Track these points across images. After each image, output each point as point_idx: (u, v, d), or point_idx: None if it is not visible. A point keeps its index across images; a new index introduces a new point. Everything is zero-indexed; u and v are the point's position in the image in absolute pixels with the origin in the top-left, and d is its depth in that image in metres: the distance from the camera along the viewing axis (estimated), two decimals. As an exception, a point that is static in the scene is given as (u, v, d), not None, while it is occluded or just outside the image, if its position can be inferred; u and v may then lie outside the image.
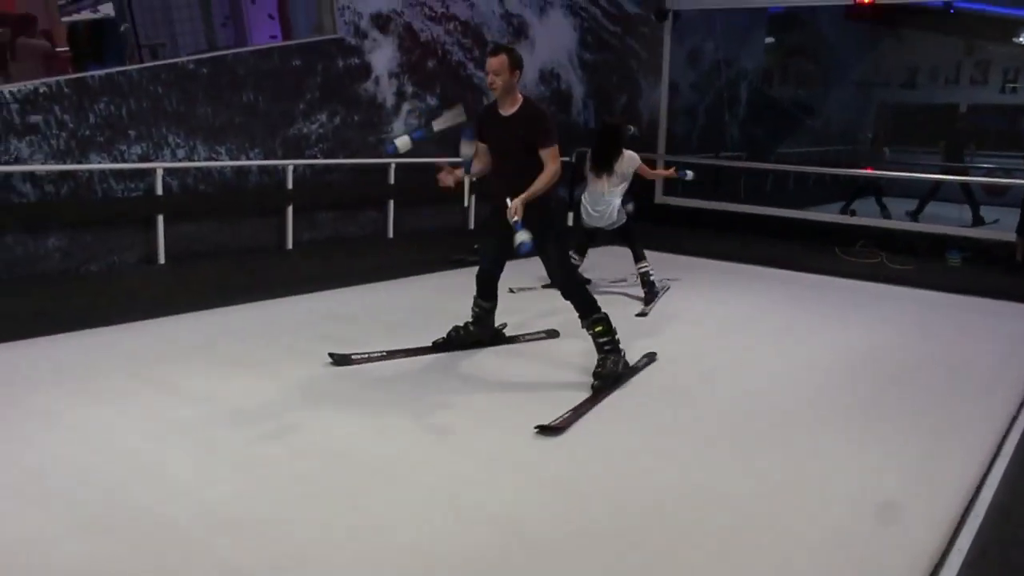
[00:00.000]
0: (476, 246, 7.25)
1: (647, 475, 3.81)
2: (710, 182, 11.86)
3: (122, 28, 7.35)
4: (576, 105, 10.98)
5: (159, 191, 7.13)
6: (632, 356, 5.26)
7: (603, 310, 5.05)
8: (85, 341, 5.65)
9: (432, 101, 9.25)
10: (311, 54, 8.17)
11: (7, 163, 6.40)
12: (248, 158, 7.81)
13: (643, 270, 7.37)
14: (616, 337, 5.02)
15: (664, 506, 3.50)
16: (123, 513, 3.31)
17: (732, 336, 6.27)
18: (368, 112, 8.73)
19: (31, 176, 6.55)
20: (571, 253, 7.21)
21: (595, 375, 4.90)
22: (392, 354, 5.30)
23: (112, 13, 6.92)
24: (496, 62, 4.83)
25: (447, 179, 5.02)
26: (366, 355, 5.19)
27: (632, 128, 8.93)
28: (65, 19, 6.77)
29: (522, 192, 4.80)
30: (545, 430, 4.17)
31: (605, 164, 7.25)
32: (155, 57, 7.21)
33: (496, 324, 5.69)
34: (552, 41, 10.49)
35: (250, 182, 7.92)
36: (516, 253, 4.75)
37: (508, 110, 4.91)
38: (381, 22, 8.70)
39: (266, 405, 4.52)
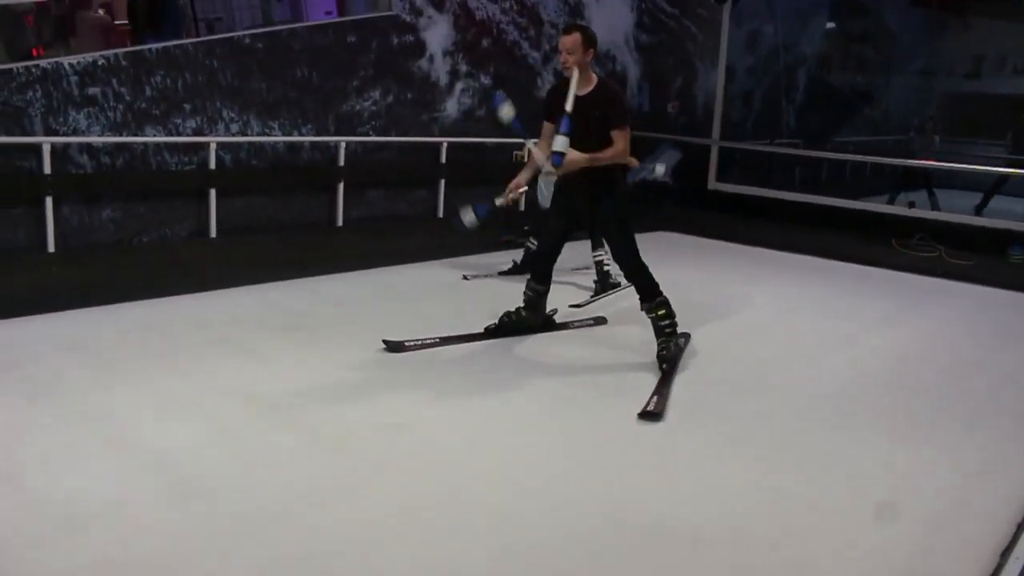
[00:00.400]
0: (527, 228, 7.23)
1: (700, 472, 3.75)
2: (764, 168, 11.67)
3: (180, 1, 7.37)
4: (631, 88, 10.83)
5: (212, 165, 7.17)
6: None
7: (664, 294, 5.02)
8: (138, 312, 5.70)
9: (486, 80, 9.18)
10: (366, 30, 8.14)
11: (65, 134, 6.47)
12: (301, 134, 7.82)
13: (598, 259, 6.87)
14: (675, 320, 5.00)
15: (724, 505, 3.44)
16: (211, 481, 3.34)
17: (784, 327, 6.16)
18: (422, 90, 8.69)
19: (88, 147, 6.61)
20: (530, 239, 7.07)
21: (660, 358, 4.91)
22: (446, 340, 5.24)
23: (171, -14, 6.94)
24: (569, 40, 4.75)
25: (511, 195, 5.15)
26: (420, 341, 5.14)
27: (673, 106, 8.80)
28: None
29: (594, 174, 4.78)
30: (647, 416, 4.19)
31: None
32: (211, 31, 7.23)
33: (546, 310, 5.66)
34: (608, 22, 10.34)
35: (302, 158, 7.93)
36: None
37: (582, 90, 4.80)
38: (436, 0, 8.63)
39: (325, 387, 4.52)
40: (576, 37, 4.73)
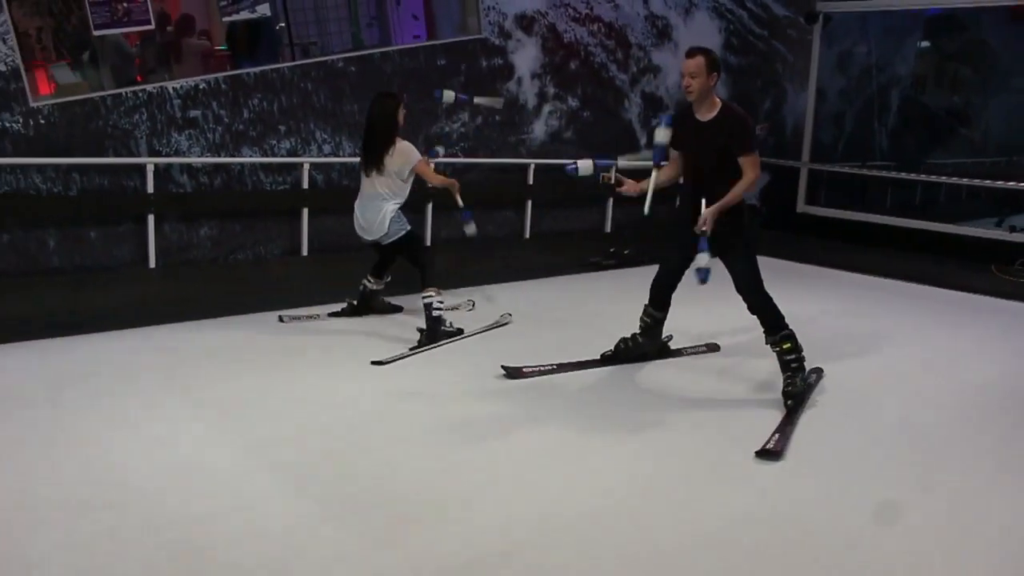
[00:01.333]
0: (614, 250, 7.15)
1: (818, 503, 3.68)
2: (856, 192, 11.42)
3: (277, 27, 7.58)
4: (718, 109, 10.73)
5: (305, 185, 7.33)
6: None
7: (790, 327, 4.87)
8: (230, 325, 5.88)
9: (573, 103, 9.21)
10: (455, 54, 8.25)
11: (168, 155, 6.71)
12: (391, 155, 7.95)
13: (427, 300, 5.81)
14: (802, 354, 4.84)
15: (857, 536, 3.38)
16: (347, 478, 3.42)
17: (879, 357, 5.97)
18: (510, 112, 8.75)
19: (188, 168, 6.84)
20: (368, 276, 6.31)
21: (785, 394, 4.72)
22: (562, 367, 5.26)
23: (268, 13, 7.13)
24: (693, 64, 4.66)
25: (632, 188, 4.98)
26: (537, 368, 5.18)
27: (762, 128, 8.62)
28: (225, 19, 7.02)
29: (716, 200, 4.66)
30: (765, 454, 4.06)
31: (373, 158, 5.91)
32: (306, 55, 7.41)
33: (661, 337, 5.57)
34: (696, 43, 10.24)
35: (392, 179, 8.05)
36: (696, 276, 4.62)
37: (706, 115, 4.73)
38: (525, 23, 8.71)
39: (434, 407, 4.59)
40: (699, 60, 4.64)
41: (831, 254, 9.49)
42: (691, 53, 4.71)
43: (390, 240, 5.97)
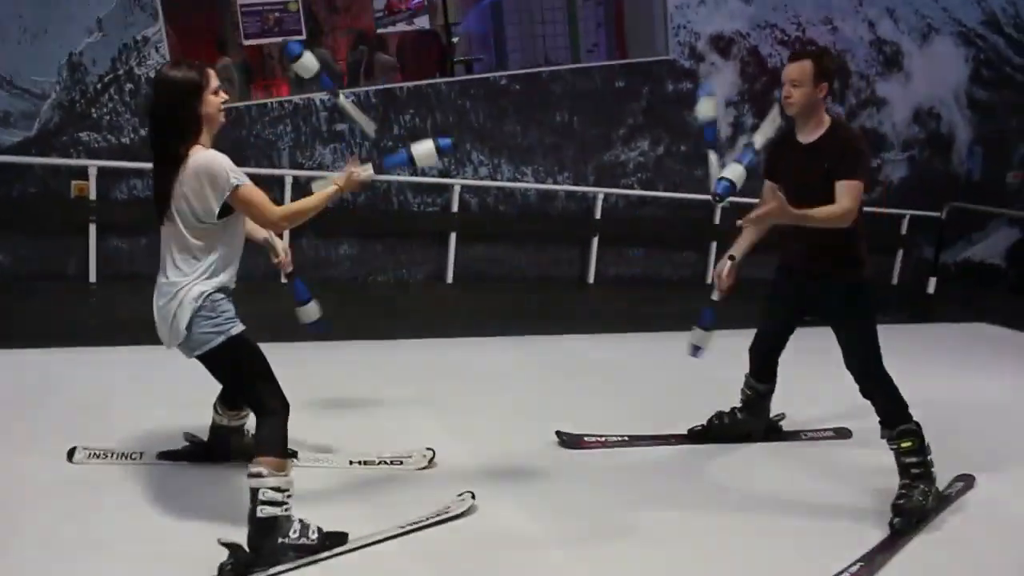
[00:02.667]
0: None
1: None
2: None
3: (447, 42, 7.26)
4: (958, 152, 9.29)
5: (455, 208, 6.91)
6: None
7: (915, 419, 3.72)
8: (365, 351, 5.49)
9: (775, 136, 8.23)
10: (637, 75, 7.58)
11: (310, 168, 6.52)
12: (555, 182, 7.39)
13: (253, 481, 2.76)
14: (930, 458, 3.66)
15: None
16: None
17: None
18: (696, 143, 7.92)
19: (331, 183, 6.61)
20: (216, 403, 3.51)
21: (895, 508, 3.52)
22: (635, 440, 4.34)
23: (427, 26, 6.80)
24: (795, 69, 3.60)
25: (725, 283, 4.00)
26: (602, 438, 4.29)
27: (1016, 176, 7.29)
28: (380, 31, 6.75)
29: (825, 247, 3.63)
30: None
31: (157, 190, 2.92)
32: (468, 71, 7.01)
33: (772, 414, 4.52)
34: (933, 74, 8.95)
35: (555, 207, 7.47)
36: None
37: (808, 136, 3.67)
38: (722, 44, 7.90)
39: (479, 472, 3.86)
40: (805, 66, 3.58)
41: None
42: (796, 56, 3.70)
43: (196, 353, 3.00)
